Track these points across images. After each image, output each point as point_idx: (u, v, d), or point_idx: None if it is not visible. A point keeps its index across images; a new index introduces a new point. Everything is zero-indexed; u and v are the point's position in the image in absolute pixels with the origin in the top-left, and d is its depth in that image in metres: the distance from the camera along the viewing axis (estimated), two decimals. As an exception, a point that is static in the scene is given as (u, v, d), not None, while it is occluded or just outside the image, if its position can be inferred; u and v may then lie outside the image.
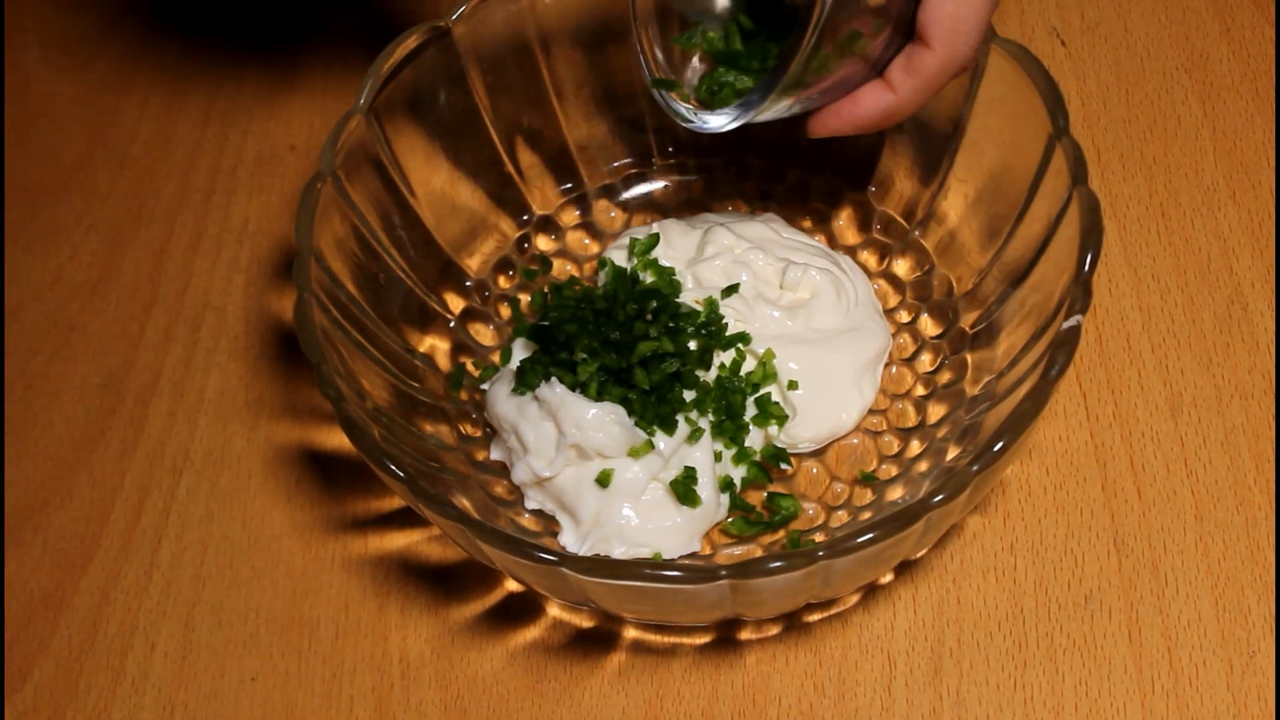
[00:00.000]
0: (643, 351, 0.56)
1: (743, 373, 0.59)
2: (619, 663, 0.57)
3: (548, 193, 0.69)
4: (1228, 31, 0.74)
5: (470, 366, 0.64)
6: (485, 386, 0.62)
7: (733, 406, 0.58)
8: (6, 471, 0.67)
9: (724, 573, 0.44)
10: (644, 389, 0.56)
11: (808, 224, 0.68)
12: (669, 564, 0.55)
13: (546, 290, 0.65)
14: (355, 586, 0.61)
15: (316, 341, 0.52)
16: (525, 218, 0.69)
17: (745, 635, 0.57)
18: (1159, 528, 0.58)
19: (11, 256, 0.76)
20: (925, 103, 0.52)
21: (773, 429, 0.59)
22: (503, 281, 0.68)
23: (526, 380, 0.57)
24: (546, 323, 0.59)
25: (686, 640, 0.57)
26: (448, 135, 0.64)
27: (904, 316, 0.64)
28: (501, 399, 0.59)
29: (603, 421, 0.55)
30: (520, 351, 0.62)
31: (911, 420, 0.61)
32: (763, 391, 0.59)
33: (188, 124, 0.81)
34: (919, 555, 0.57)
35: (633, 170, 0.70)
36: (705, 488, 0.56)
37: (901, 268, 0.65)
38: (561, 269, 0.68)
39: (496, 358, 0.64)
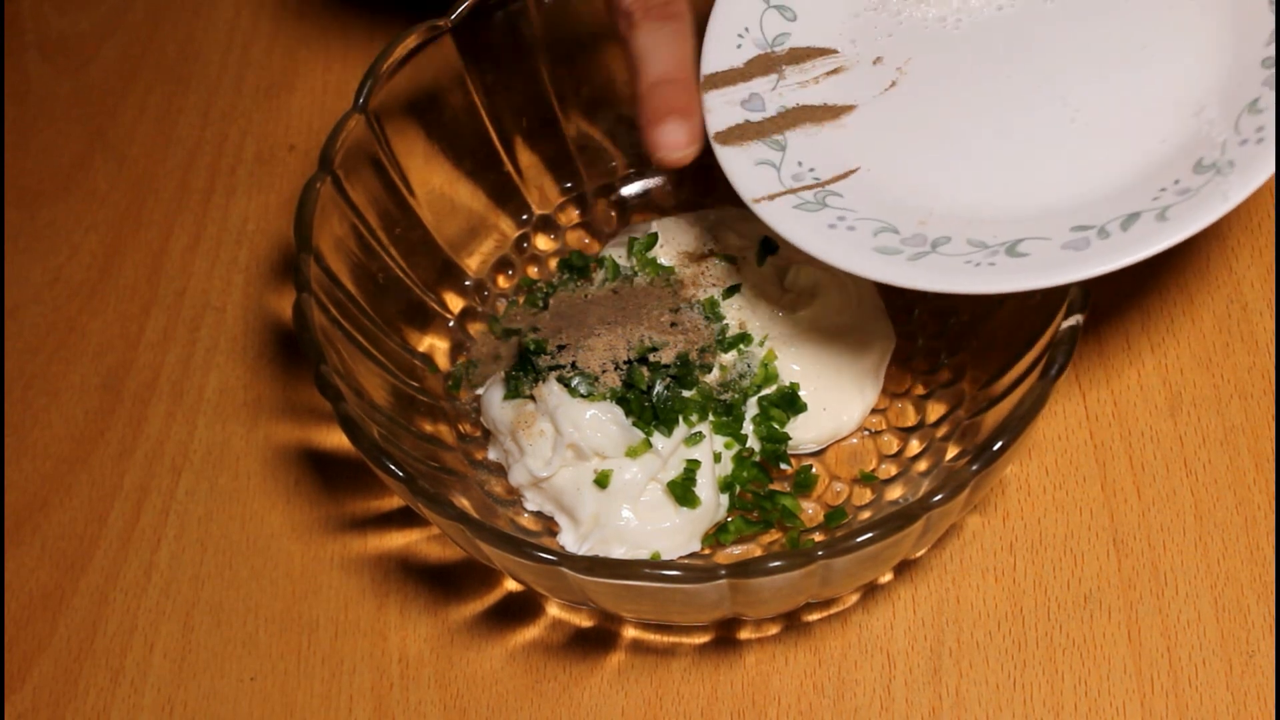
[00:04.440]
0: (642, 350, 0.56)
1: (743, 374, 0.59)
2: (618, 662, 0.57)
3: (547, 192, 0.69)
4: (1227, 31, 0.74)
5: (464, 368, 0.64)
6: (480, 390, 0.62)
7: (733, 407, 0.58)
8: (6, 471, 0.67)
9: (723, 572, 0.44)
10: (642, 389, 0.56)
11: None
12: (668, 563, 0.55)
13: (545, 290, 0.65)
14: (354, 586, 0.61)
15: (315, 341, 0.52)
16: (525, 217, 0.69)
17: (745, 635, 0.57)
18: (1158, 527, 0.58)
19: (11, 257, 0.76)
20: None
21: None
22: (502, 281, 0.68)
23: (518, 389, 0.57)
24: (539, 328, 0.59)
25: (686, 640, 0.57)
26: (447, 135, 0.64)
27: (903, 315, 0.64)
28: (496, 402, 0.59)
29: (600, 421, 0.55)
30: (515, 353, 0.62)
31: (911, 419, 0.61)
32: (764, 393, 0.59)
33: (187, 124, 0.81)
34: (918, 555, 0.57)
35: (632, 169, 0.70)
36: (705, 488, 0.56)
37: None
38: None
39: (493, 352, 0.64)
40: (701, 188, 0.70)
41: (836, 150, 0.54)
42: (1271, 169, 0.45)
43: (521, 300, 0.66)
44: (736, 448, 0.58)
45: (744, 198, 0.53)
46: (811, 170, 0.53)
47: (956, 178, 0.52)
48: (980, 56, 0.54)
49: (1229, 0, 0.50)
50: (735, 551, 0.58)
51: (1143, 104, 0.50)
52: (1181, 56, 0.50)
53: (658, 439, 0.56)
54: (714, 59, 0.56)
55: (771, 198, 0.52)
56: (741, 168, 0.53)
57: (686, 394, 0.57)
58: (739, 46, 0.57)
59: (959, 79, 0.54)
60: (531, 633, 0.59)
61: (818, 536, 0.58)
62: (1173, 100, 0.49)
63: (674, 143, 0.52)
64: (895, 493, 0.58)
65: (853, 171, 0.53)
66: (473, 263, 0.67)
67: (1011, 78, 0.53)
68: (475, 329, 0.66)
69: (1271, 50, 0.48)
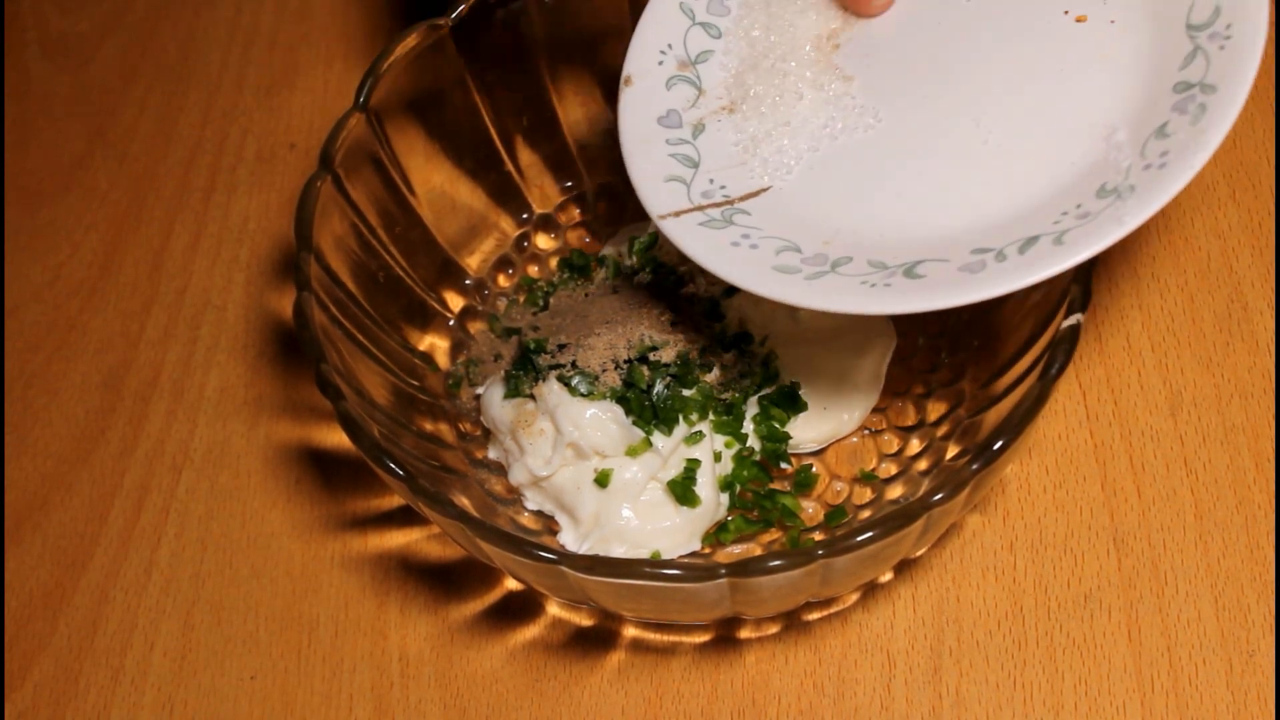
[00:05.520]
0: (642, 349, 0.56)
1: (744, 373, 0.59)
2: (618, 661, 0.57)
3: (547, 191, 0.69)
4: (1228, 30, 0.74)
5: (464, 367, 0.64)
6: (480, 390, 0.62)
7: (733, 406, 0.58)
8: (6, 470, 0.67)
9: (723, 571, 0.44)
10: (642, 388, 0.56)
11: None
12: (669, 562, 0.55)
13: (545, 289, 0.65)
14: (355, 585, 0.61)
15: (316, 340, 0.52)
16: (525, 216, 0.69)
17: (745, 634, 0.57)
18: (1158, 526, 0.58)
19: (11, 255, 0.76)
20: None
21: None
22: (502, 280, 0.68)
23: (518, 388, 0.57)
24: (539, 327, 0.59)
25: (686, 639, 0.57)
26: (447, 134, 0.64)
27: (903, 314, 0.64)
28: (497, 401, 0.59)
29: (600, 420, 0.55)
30: (515, 352, 0.62)
31: (911, 419, 0.61)
32: (764, 392, 0.59)
33: (187, 122, 0.81)
34: (919, 554, 0.57)
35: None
36: (705, 487, 0.56)
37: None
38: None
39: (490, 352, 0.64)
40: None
41: (749, 169, 0.54)
42: (1169, 196, 0.44)
43: (522, 299, 0.66)
44: (737, 447, 0.58)
45: (650, 213, 0.52)
46: (723, 188, 0.53)
47: (865, 199, 0.52)
48: (896, 80, 0.54)
49: (1147, 24, 0.49)
50: (735, 550, 0.58)
51: (1055, 127, 0.49)
52: (1097, 80, 0.49)
53: (658, 438, 0.56)
54: (637, 70, 0.56)
55: (678, 214, 0.52)
56: (651, 183, 0.53)
57: (687, 393, 0.57)
58: (660, 63, 0.56)
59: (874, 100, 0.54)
60: (532, 631, 0.59)
61: (818, 535, 0.58)
62: (1085, 124, 0.49)
63: None
64: (895, 492, 0.58)
65: (764, 190, 0.53)
66: (473, 262, 0.67)
67: (926, 99, 0.53)
68: (476, 328, 0.66)
69: (1184, 75, 0.47)
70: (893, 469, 0.59)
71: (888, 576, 0.58)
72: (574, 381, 0.56)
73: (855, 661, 0.56)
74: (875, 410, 0.61)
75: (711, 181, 0.53)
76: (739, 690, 0.56)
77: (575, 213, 0.70)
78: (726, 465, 0.58)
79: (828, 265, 0.49)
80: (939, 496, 0.45)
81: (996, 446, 0.45)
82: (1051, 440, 0.61)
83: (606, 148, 0.70)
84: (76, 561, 0.64)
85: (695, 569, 0.44)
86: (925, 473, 0.57)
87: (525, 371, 0.58)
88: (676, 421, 0.56)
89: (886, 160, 0.52)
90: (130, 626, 0.61)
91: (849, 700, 0.55)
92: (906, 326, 0.63)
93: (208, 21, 0.86)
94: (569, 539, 0.57)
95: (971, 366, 0.59)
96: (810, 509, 0.59)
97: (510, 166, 0.67)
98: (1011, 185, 0.49)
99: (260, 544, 0.63)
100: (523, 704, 0.57)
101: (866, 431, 0.61)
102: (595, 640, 0.58)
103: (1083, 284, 0.49)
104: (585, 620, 0.59)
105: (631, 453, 0.56)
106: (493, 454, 0.61)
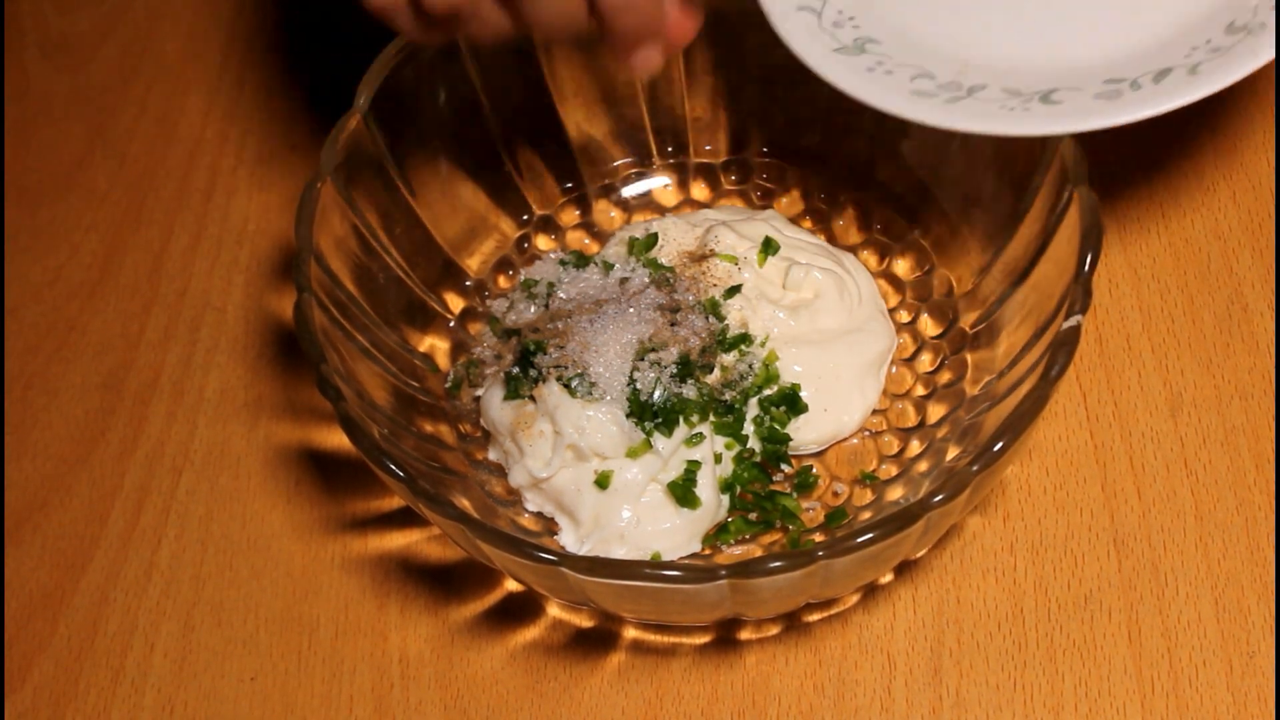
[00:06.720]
0: (642, 350, 0.56)
1: (744, 374, 0.59)
2: (619, 662, 0.57)
3: (548, 192, 0.69)
4: (1228, 31, 0.74)
5: (464, 368, 0.64)
6: (480, 391, 0.62)
7: (734, 408, 0.58)
8: (6, 471, 0.67)
9: (724, 572, 0.44)
10: (642, 389, 0.56)
11: (808, 224, 0.68)
12: (669, 564, 0.55)
13: (546, 289, 0.65)
14: (355, 586, 0.61)
15: (316, 341, 0.52)
16: (525, 217, 0.69)
17: (745, 635, 0.57)
18: (1159, 528, 0.58)
19: (11, 256, 0.76)
20: None
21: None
22: (502, 281, 0.68)
23: (518, 389, 0.57)
24: (539, 328, 0.58)
25: (686, 640, 0.57)
26: (448, 135, 0.64)
27: (904, 316, 0.64)
28: (496, 403, 0.59)
29: (600, 422, 0.55)
30: (515, 353, 0.62)
31: (911, 420, 0.61)
32: (765, 394, 0.59)
33: (187, 123, 0.81)
34: (919, 555, 0.57)
35: (633, 169, 0.70)
36: (705, 489, 0.56)
37: (901, 267, 0.65)
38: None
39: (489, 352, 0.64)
40: (704, 189, 0.70)
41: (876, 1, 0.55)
42: None
43: (522, 300, 0.66)
44: (737, 448, 0.58)
45: (783, 38, 0.53)
46: (851, 19, 0.54)
47: (995, 30, 0.53)
48: None
49: None
50: (735, 552, 0.58)
51: None
52: None
53: (658, 439, 0.56)
54: None
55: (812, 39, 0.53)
56: (781, 8, 0.54)
57: (687, 394, 0.57)
58: None
59: None
60: (532, 633, 0.59)
61: (818, 537, 0.58)
62: None
63: (649, 65, 0.52)
64: (896, 493, 0.58)
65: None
66: (473, 263, 0.67)
67: None
68: (476, 329, 0.66)
69: None
70: (893, 470, 0.59)
71: (888, 578, 0.58)
72: (574, 383, 0.56)
73: (855, 663, 0.56)
74: (876, 412, 0.61)
75: (840, 12, 0.54)
76: (739, 691, 0.56)
77: (575, 214, 0.70)
78: (727, 467, 0.58)
79: (964, 91, 0.50)
80: (939, 498, 0.45)
81: (997, 448, 0.45)
82: (1052, 442, 0.61)
83: (607, 148, 0.70)
84: (76, 563, 0.64)
85: (695, 570, 0.45)
86: (926, 474, 0.57)
87: (525, 373, 0.58)
88: (677, 423, 0.56)
89: None
90: (130, 628, 0.61)
91: (849, 701, 0.55)
92: (908, 328, 0.63)
93: (208, 22, 0.86)
94: (569, 540, 0.57)
95: (972, 368, 0.59)
96: (810, 510, 0.59)
97: (510, 167, 0.67)
98: (1140, 21, 0.51)
99: (260, 545, 0.63)
100: (523, 705, 0.57)
101: (867, 433, 0.61)
102: (595, 641, 0.58)
103: (1083, 285, 0.49)
104: (585, 621, 0.59)
105: (631, 454, 0.56)
106: (493, 455, 0.61)
